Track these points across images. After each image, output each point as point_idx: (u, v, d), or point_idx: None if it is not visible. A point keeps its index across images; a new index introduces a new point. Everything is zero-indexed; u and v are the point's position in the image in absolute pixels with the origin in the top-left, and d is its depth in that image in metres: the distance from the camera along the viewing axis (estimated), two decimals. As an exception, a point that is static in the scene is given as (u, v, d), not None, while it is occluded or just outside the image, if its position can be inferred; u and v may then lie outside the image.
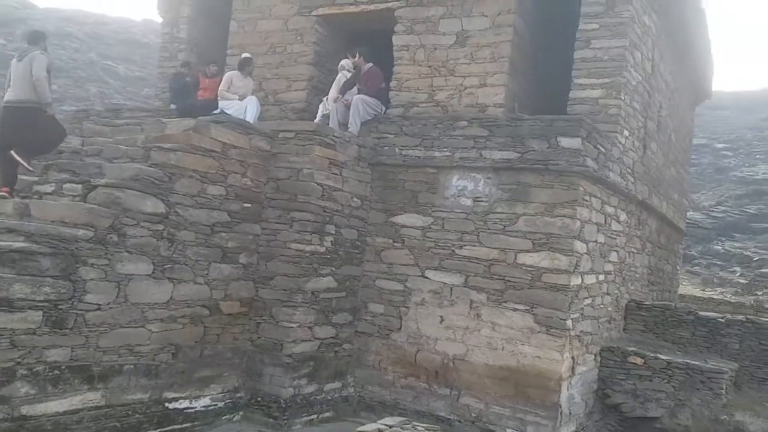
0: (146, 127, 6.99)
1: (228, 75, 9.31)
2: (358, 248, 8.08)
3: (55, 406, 5.18)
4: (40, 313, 5.05)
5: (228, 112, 8.88)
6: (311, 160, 7.32)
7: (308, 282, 7.24)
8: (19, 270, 4.93)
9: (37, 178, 6.19)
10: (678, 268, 13.55)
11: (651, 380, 7.75)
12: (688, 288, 19.14)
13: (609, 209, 7.91)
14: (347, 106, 8.64)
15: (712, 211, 28.95)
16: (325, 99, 9.31)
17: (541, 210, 7.02)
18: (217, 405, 6.80)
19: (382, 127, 8.30)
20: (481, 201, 7.40)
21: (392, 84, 9.32)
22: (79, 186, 5.76)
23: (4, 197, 6.03)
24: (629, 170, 8.59)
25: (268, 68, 10.39)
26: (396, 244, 7.95)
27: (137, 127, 7.17)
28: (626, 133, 8.37)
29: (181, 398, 6.38)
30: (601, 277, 7.89)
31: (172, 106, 10.04)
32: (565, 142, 6.93)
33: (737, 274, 23.44)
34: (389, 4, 9.58)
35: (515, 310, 7.06)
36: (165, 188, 6.13)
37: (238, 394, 7.08)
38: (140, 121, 7.86)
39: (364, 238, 8.15)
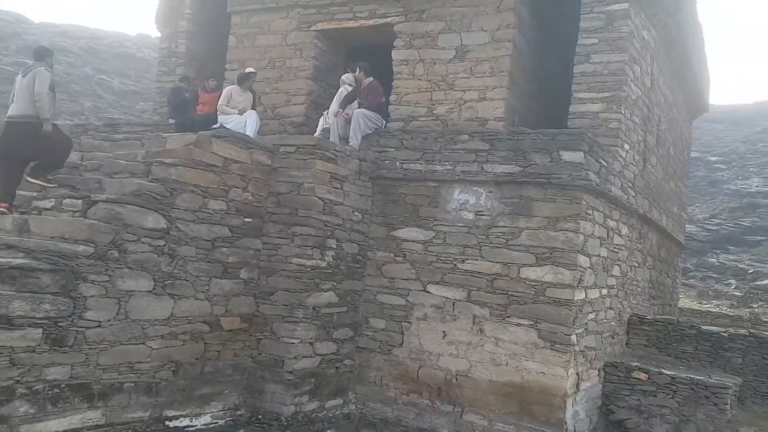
0: (146, 142, 6.95)
1: (227, 89, 9.28)
2: (359, 262, 8.02)
3: (54, 425, 5.08)
4: (40, 330, 4.97)
5: (227, 126, 8.84)
6: (312, 174, 7.27)
7: (309, 297, 7.17)
8: (19, 287, 4.85)
9: (35, 194, 6.12)
10: (678, 281, 13.54)
11: (655, 396, 7.69)
12: (684, 301, 19.13)
13: (611, 223, 7.88)
14: (348, 121, 8.62)
15: (707, 223, 29.05)
16: (325, 113, 9.31)
17: (544, 224, 6.99)
18: (217, 423, 6.68)
19: (383, 141, 8.28)
20: (483, 215, 7.36)
21: (392, 98, 9.32)
22: (79, 201, 5.69)
23: (2, 213, 5.96)
24: (630, 184, 8.59)
25: (267, 83, 10.37)
26: (397, 259, 7.89)
27: (137, 141, 7.12)
28: (627, 147, 8.37)
29: (181, 416, 6.28)
30: (604, 292, 7.85)
31: (171, 121, 10.00)
32: (567, 155, 6.92)
33: (732, 287, 23.48)
34: (388, 19, 9.61)
35: (519, 325, 7.00)
36: (166, 203, 6.07)
37: (239, 412, 6.98)
38: (140, 136, 7.82)
39: (365, 252, 8.09)
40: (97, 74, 25.40)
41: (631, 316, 9.16)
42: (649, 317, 9.28)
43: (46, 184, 6.25)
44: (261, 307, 7.22)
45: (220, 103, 9.13)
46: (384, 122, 8.83)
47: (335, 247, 7.60)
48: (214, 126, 8.92)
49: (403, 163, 8.02)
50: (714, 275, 25.16)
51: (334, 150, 7.61)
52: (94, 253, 5.35)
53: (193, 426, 6.39)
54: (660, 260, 10.98)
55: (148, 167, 6.21)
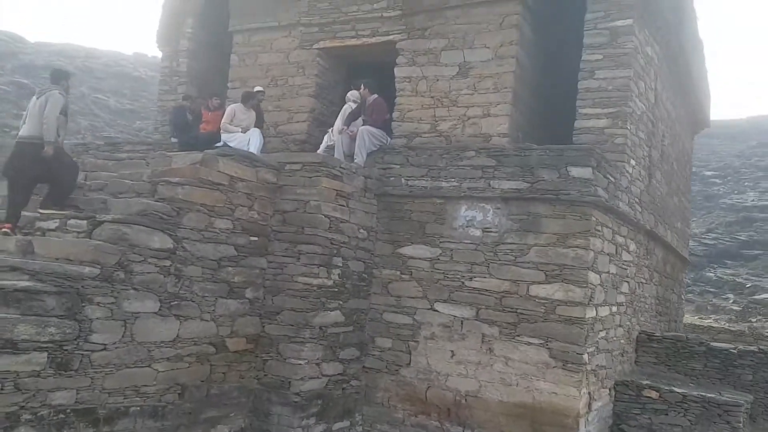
0: (151, 161, 6.86)
1: (231, 108, 9.23)
2: (364, 281, 7.92)
3: (59, 452, 4.93)
4: (45, 354, 4.83)
5: (231, 144, 8.80)
6: (318, 191, 7.20)
7: (316, 317, 7.06)
8: (24, 310, 4.73)
9: (39, 214, 6.01)
10: (683, 297, 13.48)
11: (666, 414, 7.58)
12: (684, 316, 19.09)
13: (619, 239, 7.83)
14: (352, 138, 8.57)
15: (704, 238, 29.10)
16: (330, 130, 9.26)
17: (553, 240, 6.91)
18: (223, 447, 6.55)
19: (388, 158, 8.22)
20: (491, 231, 7.28)
21: (395, 115, 9.29)
22: (84, 222, 5.58)
23: (6, 233, 5.86)
24: (637, 199, 8.55)
25: (269, 101, 10.34)
26: (403, 276, 7.80)
27: (142, 161, 7.04)
28: (633, 162, 8.35)
29: (187, 441, 6.13)
30: (614, 309, 7.77)
31: (174, 140, 9.94)
32: (575, 171, 6.87)
33: (730, 301, 23.46)
34: (391, 37, 9.62)
35: (529, 344, 6.90)
36: (172, 223, 5.98)
37: (245, 436, 6.84)
38: (143, 155, 7.74)
39: (370, 270, 8.00)
40: (93, 93, 25.38)
41: (640, 333, 9.08)
42: (657, 334, 9.19)
43: (58, 212, 6.13)
44: (267, 327, 7.11)
45: (223, 121, 9.08)
46: (389, 139, 8.79)
47: (341, 265, 7.51)
48: (218, 144, 8.86)
49: (408, 180, 7.96)
50: (712, 290, 25.15)
51: (340, 167, 7.55)
52: (99, 275, 5.24)
53: (199, 450, 6.24)
54: (666, 276, 10.92)
55: (155, 186, 6.12)
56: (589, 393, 6.89)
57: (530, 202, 7.07)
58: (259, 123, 9.47)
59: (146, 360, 5.68)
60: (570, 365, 6.68)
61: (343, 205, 7.56)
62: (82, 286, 5.11)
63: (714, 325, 17.74)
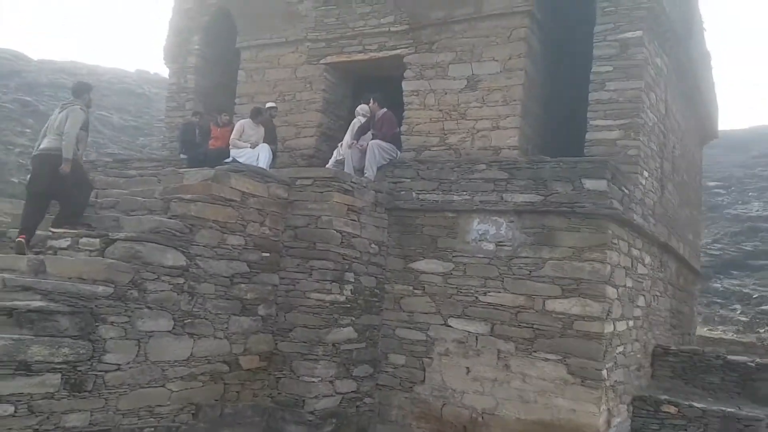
0: (163, 178, 6.80)
1: (240, 123, 9.20)
2: (376, 296, 7.83)
3: (73, 476, 4.83)
4: (59, 375, 4.75)
5: (240, 160, 8.76)
6: (330, 206, 7.13)
7: (329, 333, 6.96)
8: (37, 331, 4.65)
9: (50, 233, 5.95)
10: (695, 310, 13.36)
11: (686, 430, 7.44)
12: (693, 328, 18.92)
13: (635, 252, 7.74)
14: (362, 152, 8.53)
15: (709, 249, 28.95)
16: (339, 145, 9.22)
17: (569, 254, 6.83)
18: (237, 468, 6.43)
19: (398, 172, 8.17)
20: (505, 245, 7.20)
21: (403, 128, 9.26)
22: (97, 240, 5.52)
23: (20, 243, 5.80)
24: (650, 212, 8.47)
25: (277, 116, 10.29)
26: (416, 292, 7.71)
27: (153, 178, 6.99)
28: (646, 174, 8.28)
29: (201, 462, 6.01)
30: (631, 323, 7.66)
31: (183, 156, 9.90)
32: (590, 184, 6.80)
33: (738, 312, 23.30)
34: (398, 51, 9.61)
35: (546, 360, 6.79)
36: (186, 240, 5.91)
37: (259, 456, 6.72)
38: (154, 172, 7.70)
39: (382, 285, 7.91)
40: (96, 110, 25.40)
41: (656, 347, 8.96)
42: (673, 348, 9.07)
43: (70, 230, 6.05)
44: (279, 344, 7.01)
45: (232, 137, 9.05)
46: (399, 153, 8.75)
47: (353, 280, 7.43)
48: (227, 160, 8.83)
49: (419, 194, 7.90)
50: (719, 300, 25.00)
51: (351, 182, 7.49)
52: (113, 294, 5.16)
53: (213, 472, 6.13)
54: (679, 288, 10.82)
55: (167, 203, 6.06)
56: (608, 409, 6.78)
57: (544, 215, 7.00)
58: (272, 138, 9.45)
59: (160, 380, 5.59)
60: (589, 381, 6.56)
61: (355, 220, 7.49)
62: (96, 306, 5.03)
63: (724, 336, 17.58)
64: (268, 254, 7.04)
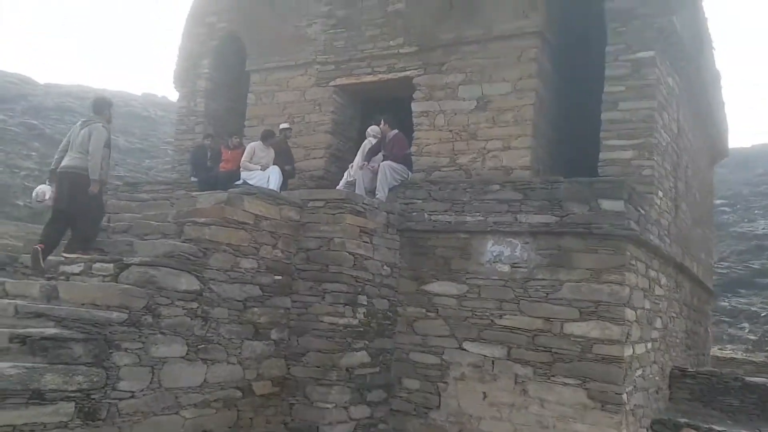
0: (176, 201, 6.74)
1: (250, 146, 9.20)
2: (389, 319, 7.73)
3: None
4: (72, 404, 4.63)
5: (250, 182, 8.74)
6: (342, 228, 7.06)
7: (343, 357, 6.85)
8: (51, 359, 4.55)
9: (63, 258, 5.88)
10: (709, 330, 13.20)
11: (707, 454, 7.27)
12: (705, 349, 18.69)
13: (652, 273, 7.64)
14: (373, 173, 8.48)
15: (716, 267, 28.74)
16: (349, 166, 9.19)
17: (587, 276, 6.73)
18: (250, 497, 6.28)
19: (410, 193, 8.11)
20: (520, 267, 7.11)
21: (412, 149, 9.22)
22: (111, 265, 5.43)
23: (36, 251, 5.78)
24: (665, 232, 8.38)
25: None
26: (429, 314, 7.60)
27: (165, 201, 6.93)
28: (660, 194, 8.21)
29: (214, 492, 5.87)
30: (649, 346, 7.54)
31: (193, 179, 9.87)
32: (606, 204, 6.73)
33: (746, 331, 23.07)
34: (407, 73, 9.61)
35: (565, 384, 6.65)
36: (199, 264, 5.84)
37: (272, 485, 6.57)
38: (166, 196, 7.65)
39: (395, 308, 7.81)
40: (104, 132, 25.46)
41: (673, 369, 8.81)
42: (691, 370, 8.92)
43: (83, 255, 5.98)
44: (292, 369, 6.90)
45: (243, 159, 9.04)
46: (410, 174, 8.70)
47: (366, 303, 7.33)
48: (237, 182, 8.80)
49: (431, 215, 7.83)
50: (727, 319, 24.76)
51: (363, 203, 7.43)
52: (127, 320, 5.07)
53: (226, 502, 5.98)
54: (693, 309, 10.68)
55: (181, 227, 6.00)
56: (629, 434, 6.63)
57: (560, 237, 6.91)
58: (288, 159, 9.44)
59: (174, 407, 5.47)
60: (609, 406, 6.42)
61: (367, 242, 7.42)
62: (110, 332, 4.94)
63: (735, 356, 17.36)
64: (280, 277, 6.96)
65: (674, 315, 9.01)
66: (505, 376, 6.99)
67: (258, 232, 6.65)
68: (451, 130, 9.04)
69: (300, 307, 7.05)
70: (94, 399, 4.79)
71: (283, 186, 8.95)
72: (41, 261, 5.99)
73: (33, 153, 20.98)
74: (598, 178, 7.21)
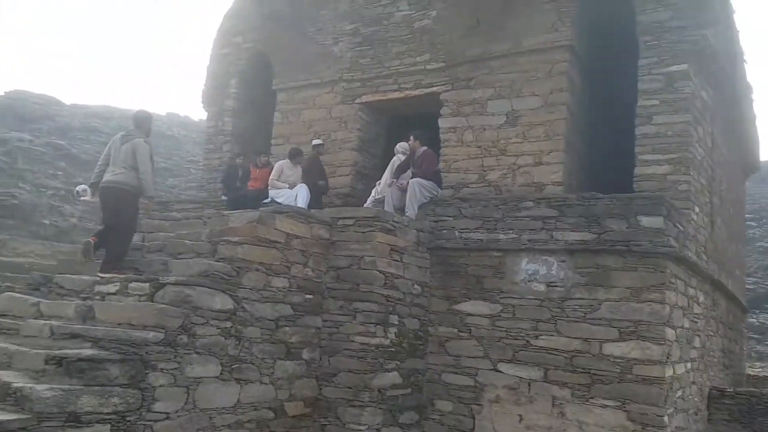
0: (208, 220, 6.72)
1: (279, 164, 9.20)
2: (420, 339, 7.60)
3: None
4: (108, 427, 4.56)
5: (278, 200, 8.73)
6: (373, 247, 6.97)
7: (375, 378, 6.72)
8: (88, 380, 4.50)
9: (98, 278, 5.85)
10: (744, 348, 12.87)
11: (751, 478, 7.02)
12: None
13: (691, 291, 7.45)
14: (402, 190, 8.40)
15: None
16: (377, 184, 9.12)
17: (626, 295, 6.56)
18: None
19: (440, 210, 8.01)
20: (556, 286, 6.95)
21: (440, 166, 9.12)
22: (146, 284, 5.39)
23: (88, 244, 5.94)
24: (702, 248, 8.19)
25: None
26: (462, 334, 7.45)
27: (198, 220, 6.91)
28: (697, 209, 8.03)
29: None
30: (688, 366, 7.32)
31: (224, 198, 9.89)
32: (646, 221, 6.57)
33: (775, 348, 22.52)
34: (434, 89, 9.56)
35: (605, 406, 6.46)
36: (233, 283, 5.79)
37: None
38: (197, 215, 7.63)
39: (426, 328, 7.68)
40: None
41: (711, 389, 8.56)
42: (729, 390, 8.66)
43: (118, 275, 5.96)
44: (324, 389, 6.79)
45: (271, 177, 9.05)
46: (440, 191, 8.61)
47: (397, 323, 7.22)
48: (265, 201, 8.79)
49: (462, 233, 7.72)
50: (755, 336, 24.21)
51: (393, 221, 7.35)
52: (163, 339, 5.01)
53: None
54: (729, 327, 10.41)
55: (214, 246, 5.96)
56: (671, 458, 6.41)
57: (598, 254, 6.76)
58: (321, 175, 9.42)
59: (208, 428, 5.39)
60: (650, 428, 6.22)
61: (398, 260, 7.32)
62: (146, 352, 4.88)
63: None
64: (311, 296, 6.88)
65: (711, 333, 8.77)
66: (542, 399, 6.82)
67: (289, 250, 6.59)
68: (479, 146, 8.94)
69: (331, 327, 6.95)
70: (129, 421, 4.72)
71: (317, 201, 8.89)
72: (93, 252, 6.04)
73: (59, 173, 21.23)
74: (636, 194, 7.05)
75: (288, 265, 6.57)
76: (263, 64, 11.44)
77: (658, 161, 7.89)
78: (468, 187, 8.83)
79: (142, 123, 6.74)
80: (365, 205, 9.02)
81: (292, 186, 9.00)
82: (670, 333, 6.51)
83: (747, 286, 27.89)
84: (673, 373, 6.64)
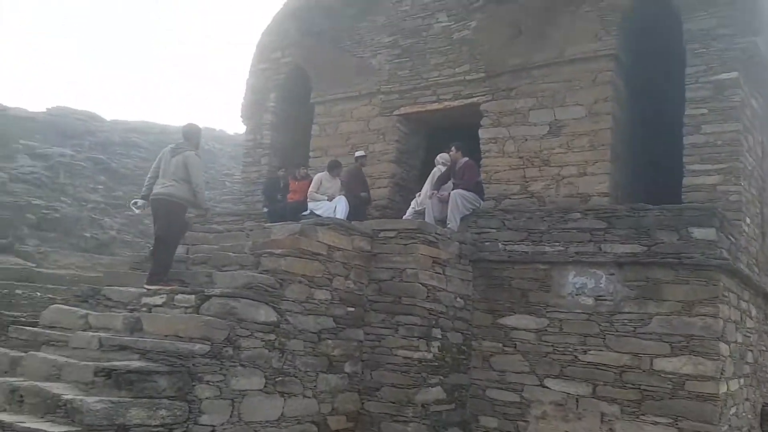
0: (251, 232, 6.73)
1: (317, 176, 9.21)
2: (463, 353, 7.47)
3: None
4: (155, 439, 4.55)
5: (317, 212, 8.72)
6: (415, 259, 6.90)
7: (418, 393, 6.62)
8: (136, 392, 4.50)
9: (145, 290, 5.89)
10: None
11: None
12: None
13: (743, 305, 7.19)
14: (443, 201, 8.32)
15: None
16: (417, 195, 9.05)
17: (678, 309, 6.35)
18: None
19: (482, 222, 7.90)
20: (605, 300, 6.77)
21: (481, 176, 9.00)
22: (192, 296, 5.41)
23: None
24: (754, 260, 7.93)
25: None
26: (507, 349, 7.31)
27: (241, 233, 6.93)
28: (748, 220, 7.77)
29: None
30: (742, 382, 7.05)
31: (265, 209, 9.93)
32: (698, 233, 6.38)
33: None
34: (474, 99, 9.47)
35: (656, 423, 6.25)
36: (276, 295, 5.77)
37: None
38: (240, 227, 7.67)
39: (469, 342, 7.55)
40: (165, 166, 26.14)
41: (764, 406, 8.22)
42: (784, 408, 8.31)
43: (164, 287, 5.98)
44: (366, 404, 6.71)
45: (310, 189, 9.06)
46: (481, 202, 8.49)
47: (440, 337, 7.12)
48: (304, 213, 8.79)
49: (506, 245, 7.59)
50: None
51: (435, 233, 7.26)
52: (209, 352, 5.00)
53: None
54: (782, 342, 10.02)
55: (258, 258, 5.95)
56: (727, 479, 6.16)
57: (648, 267, 6.56)
58: (364, 187, 9.41)
59: (253, 442, 5.35)
60: (705, 447, 5.99)
61: (440, 273, 7.23)
62: (193, 365, 4.87)
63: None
64: (353, 309, 6.82)
65: (764, 348, 8.44)
66: (590, 415, 6.62)
67: (331, 262, 6.55)
68: (521, 157, 8.81)
69: (373, 340, 6.88)
70: (177, 434, 4.70)
71: (361, 213, 8.85)
72: None
73: (99, 186, 21.65)
74: (687, 204, 6.86)
75: (330, 278, 6.53)
76: (301, 78, 11.51)
77: (708, 171, 7.67)
78: (510, 198, 8.70)
79: (191, 136, 6.79)
80: (405, 216, 8.95)
81: (330, 198, 8.99)
82: (723, 348, 6.28)
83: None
84: (727, 389, 6.40)
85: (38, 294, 10.60)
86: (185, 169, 6.39)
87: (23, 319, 7.41)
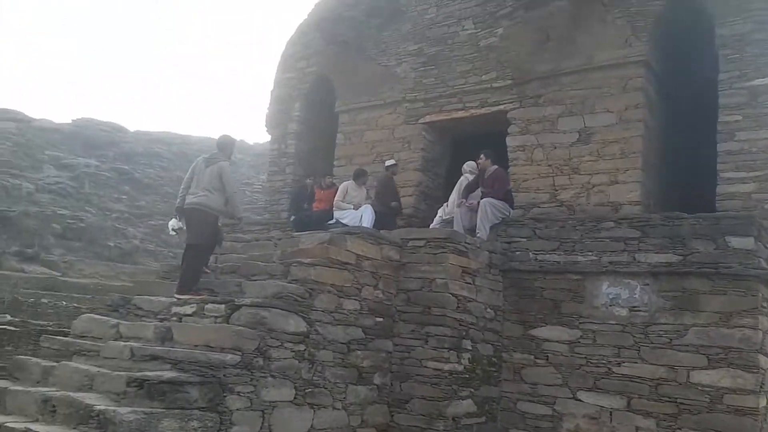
0: (279, 242, 6.69)
1: (344, 185, 9.17)
2: (494, 366, 7.35)
3: None
4: (187, 451, 4.50)
5: (343, 221, 8.67)
6: (445, 269, 6.81)
7: (449, 406, 6.50)
8: (168, 403, 4.46)
9: (175, 299, 5.87)
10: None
11: None
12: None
13: (781, 316, 6.97)
14: (471, 210, 8.22)
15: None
16: (444, 204, 8.96)
17: (715, 320, 6.19)
18: None
19: (512, 231, 7.78)
20: (640, 310, 6.62)
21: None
22: (222, 306, 5.37)
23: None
24: (791, 270, 7.68)
25: (375, 177, 10.18)
26: (538, 361, 7.17)
27: (269, 242, 6.90)
28: (786, 229, 7.54)
29: None
30: (782, 396, 6.83)
31: (291, 218, 9.91)
32: (735, 242, 6.22)
33: None
34: (501, 107, 9.35)
35: (694, 438, 6.07)
36: (306, 305, 5.71)
37: None
38: (267, 236, 7.64)
39: (499, 354, 7.43)
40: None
41: (805, 422, 7.96)
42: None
43: (194, 296, 5.97)
44: (396, 416, 6.60)
45: (336, 198, 9.02)
46: (511, 211, 8.36)
47: (471, 348, 7.00)
48: (330, 222, 8.75)
49: (537, 254, 7.47)
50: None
51: (465, 242, 7.17)
52: (240, 362, 4.96)
53: None
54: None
55: (287, 268, 5.91)
56: (770, 496, 5.95)
57: (684, 277, 6.41)
58: (394, 196, 9.31)
59: (283, 456, 5.28)
60: (745, 463, 5.80)
61: (470, 283, 7.13)
62: (224, 375, 4.83)
63: None
64: (382, 319, 6.74)
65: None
66: (625, 429, 6.47)
67: (360, 272, 6.49)
68: (550, 165, 8.68)
69: (402, 351, 6.79)
70: (207, 446, 4.64)
71: (391, 223, 8.77)
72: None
73: (123, 196, 21.88)
74: (724, 213, 6.69)
75: (359, 287, 6.47)
76: (326, 87, 11.50)
77: (743, 179, 7.48)
78: (539, 207, 8.57)
79: (225, 147, 6.82)
80: (432, 225, 8.85)
81: (356, 207, 8.93)
82: (763, 360, 6.11)
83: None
84: (767, 403, 6.20)
85: (64, 303, 10.70)
86: (219, 179, 6.41)
87: (50, 328, 7.44)
